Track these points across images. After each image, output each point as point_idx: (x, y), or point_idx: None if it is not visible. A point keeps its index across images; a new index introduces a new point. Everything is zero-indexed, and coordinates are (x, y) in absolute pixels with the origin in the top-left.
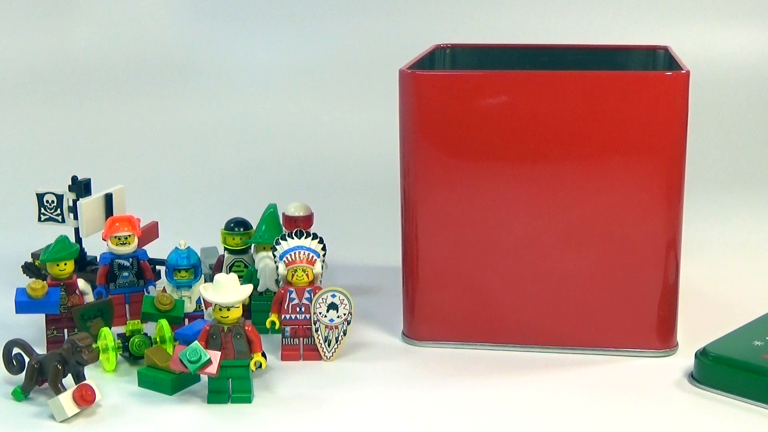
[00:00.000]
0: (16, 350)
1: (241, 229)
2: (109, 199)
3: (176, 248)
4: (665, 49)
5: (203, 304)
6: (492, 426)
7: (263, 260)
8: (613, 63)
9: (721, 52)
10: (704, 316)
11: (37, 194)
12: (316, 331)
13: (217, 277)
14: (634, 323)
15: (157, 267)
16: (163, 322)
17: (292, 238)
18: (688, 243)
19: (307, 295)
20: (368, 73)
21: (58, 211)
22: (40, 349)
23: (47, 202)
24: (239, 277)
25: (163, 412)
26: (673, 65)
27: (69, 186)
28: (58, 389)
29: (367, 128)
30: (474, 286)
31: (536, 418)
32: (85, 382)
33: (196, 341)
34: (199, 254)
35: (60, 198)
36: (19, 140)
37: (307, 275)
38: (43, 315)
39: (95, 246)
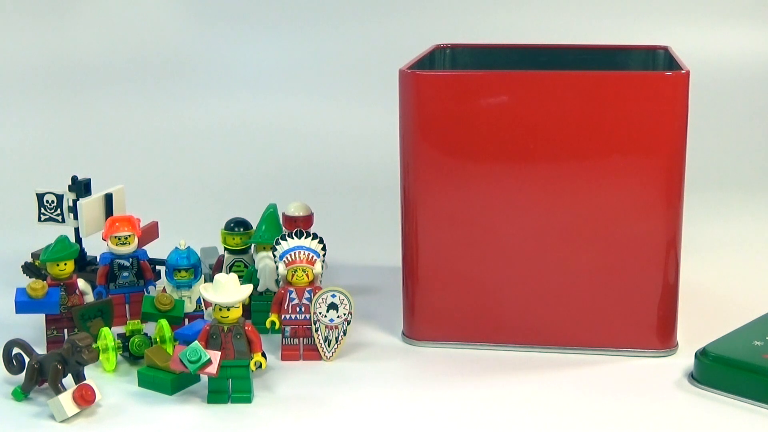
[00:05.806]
0: (16, 350)
1: (241, 229)
2: (109, 199)
3: (176, 248)
4: (665, 49)
5: (203, 304)
6: (492, 426)
7: (263, 260)
8: (613, 63)
9: (721, 52)
10: (704, 316)
11: (37, 194)
12: (316, 331)
13: (217, 277)
14: (634, 323)
15: (157, 267)
16: (163, 322)
17: (292, 238)
18: (688, 243)
19: (307, 295)
20: (368, 73)
21: (58, 211)
22: (40, 349)
23: (47, 202)
24: (239, 277)
25: (163, 412)
26: (673, 65)
27: (69, 186)
28: (58, 389)
29: (367, 128)
30: (474, 286)
31: (536, 418)
32: (85, 382)
33: (196, 341)
34: (199, 254)
35: (60, 198)
36: (19, 140)
37: (307, 275)
38: (43, 315)
39: (95, 246)
